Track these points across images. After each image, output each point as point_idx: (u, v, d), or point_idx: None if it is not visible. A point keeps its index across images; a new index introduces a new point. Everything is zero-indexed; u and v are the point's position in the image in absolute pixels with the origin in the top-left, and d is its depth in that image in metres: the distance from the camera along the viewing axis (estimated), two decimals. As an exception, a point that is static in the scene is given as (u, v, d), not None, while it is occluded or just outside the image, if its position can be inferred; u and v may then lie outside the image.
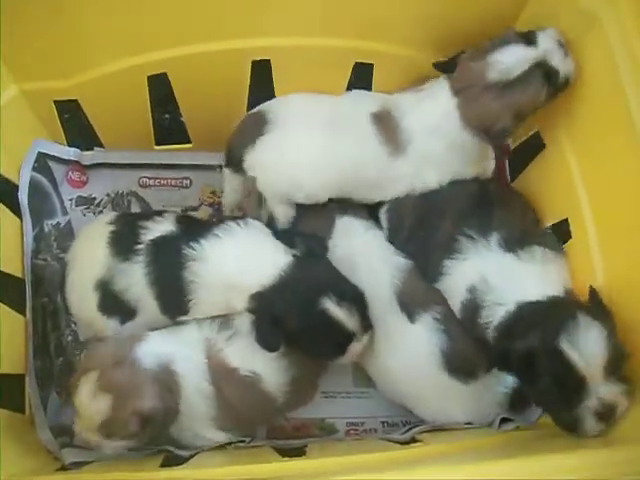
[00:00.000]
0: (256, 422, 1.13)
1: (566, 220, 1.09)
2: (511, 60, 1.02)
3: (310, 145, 1.13)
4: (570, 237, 1.09)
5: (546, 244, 1.07)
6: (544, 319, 0.95)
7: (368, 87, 1.22)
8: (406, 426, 1.13)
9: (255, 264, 1.04)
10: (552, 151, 1.14)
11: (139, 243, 1.08)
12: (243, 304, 1.03)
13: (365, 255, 1.13)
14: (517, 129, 1.10)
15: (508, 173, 1.31)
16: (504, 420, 1.05)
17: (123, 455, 1.01)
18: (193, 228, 1.09)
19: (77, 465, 1.04)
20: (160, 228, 1.09)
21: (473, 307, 1.04)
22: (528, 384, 0.97)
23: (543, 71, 1.02)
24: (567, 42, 1.03)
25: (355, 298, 1.03)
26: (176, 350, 1.04)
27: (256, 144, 1.14)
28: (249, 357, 1.05)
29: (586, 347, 0.89)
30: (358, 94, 1.18)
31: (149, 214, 1.14)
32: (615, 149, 0.98)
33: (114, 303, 1.09)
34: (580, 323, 0.91)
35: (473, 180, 1.17)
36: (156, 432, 0.99)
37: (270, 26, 1.11)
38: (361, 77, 1.21)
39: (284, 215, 1.20)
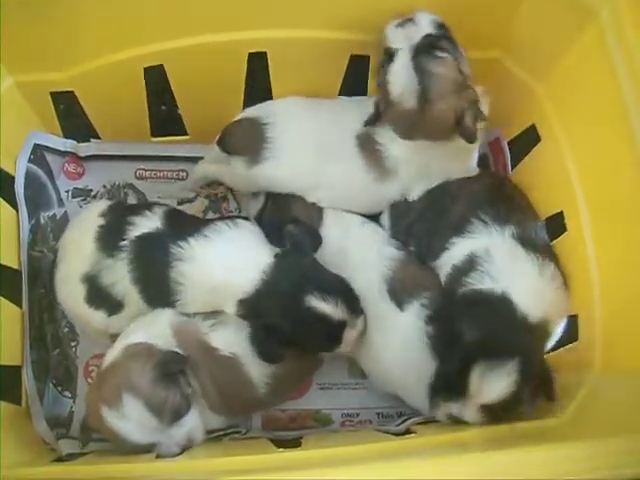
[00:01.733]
0: (237, 409, 1.12)
1: (561, 213, 1.10)
2: (400, 77, 1.01)
3: (304, 166, 1.15)
4: (565, 230, 1.09)
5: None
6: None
7: (364, 80, 1.22)
8: (401, 417, 1.13)
9: (239, 267, 1.03)
10: (548, 144, 1.14)
11: (124, 239, 1.07)
12: (232, 308, 1.04)
13: (356, 245, 1.14)
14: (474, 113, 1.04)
15: (510, 168, 1.30)
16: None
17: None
18: (182, 226, 1.09)
19: (73, 456, 1.04)
20: (147, 224, 1.08)
21: (465, 269, 1.04)
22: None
23: (426, 55, 1.00)
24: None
25: (338, 288, 1.04)
26: (140, 330, 1.05)
27: (255, 157, 1.16)
28: (232, 343, 1.06)
29: None
30: (349, 111, 1.17)
31: (140, 207, 1.13)
32: (610, 143, 0.99)
33: (101, 297, 1.10)
34: None
35: (489, 174, 1.18)
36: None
37: (266, 18, 1.11)
38: (357, 69, 1.20)
39: (254, 208, 1.24)
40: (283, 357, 1.04)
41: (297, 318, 1.01)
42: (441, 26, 1.03)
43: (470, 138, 1.03)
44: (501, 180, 1.20)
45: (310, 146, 1.14)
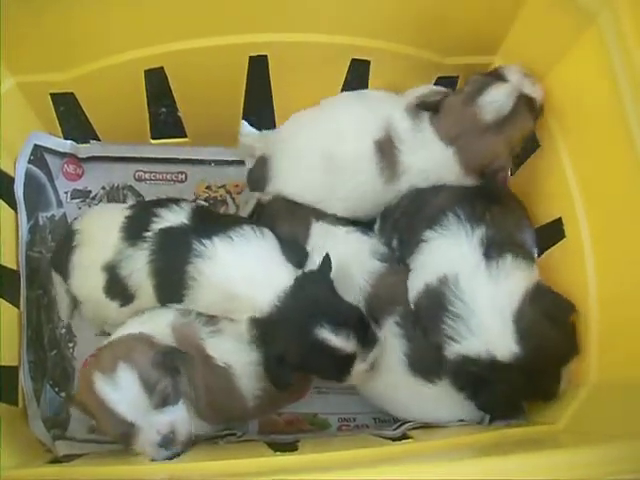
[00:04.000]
0: (224, 417, 1.10)
1: (559, 219, 1.10)
2: (502, 97, 1.05)
3: (311, 183, 1.16)
4: (564, 236, 1.09)
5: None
6: None
7: (364, 84, 1.22)
8: (397, 422, 1.13)
9: (260, 283, 1.02)
10: (547, 150, 1.14)
11: (148, 230, 1.07)
12: (242, 321, 1.03)
13: (339, 261, 1.10)
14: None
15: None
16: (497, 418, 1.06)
17: (115, 448, 1.02)
18: (208, 223, 1.08)
19: (70, 457, 1.04)
20: (173, 218, 1.08)
21: (439, 302, 1.03)
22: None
23: (524, 101, 1.06)
24: (532, 73, 1.09)
25: (350, 320, 1.02)
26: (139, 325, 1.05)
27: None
28: (227, 353, 1.05)
29: None
30: (361, 115, 1.15)
31: (168, 201, 1.13)
32: (609, 148, 0.98)
33: (118, 287, 1.10)
34: None
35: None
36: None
37: (267, 22, 1.11)
38: (357, 74, 1.21)
39: (250, 206, 1.27)
40: (290, 382, 1.03)
41: (307, 350, 1.00)
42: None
43: (487, 185, 1.11)
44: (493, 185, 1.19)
45: (315, 161, 1.14)
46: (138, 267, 1.07)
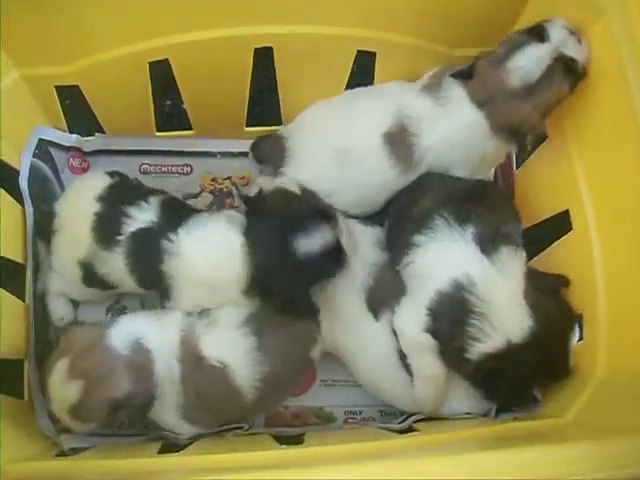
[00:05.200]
0: (224, 417, 1.09)
1: (567, 211, 1.09)
2: (530, 63, 1.01)
3: (325, 175, 1.14)
4: (571, 229, 1.09)
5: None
6: None
7: (370, 75, 1.22)
8: (403, 414, 1.13)
9: (224, 261, 1.03)
10: (555, 142, 1.14)
11: (121, 234, 1.06)
12: (237, 296, 1.04)
13: None
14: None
15: (515, 166, 1.30)
16: (503, 410, 1.06)
17: (121, 441, 1.02)
18: (174, 218, 1.08)
19: (75, 451, 1.05)
20: (142, 218, 1.07)
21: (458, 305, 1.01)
22: None
23: (562, 64, 1.01)
24: (577, 28, 1.02)
25: (308, 217, 1.02)
26: (150, 327, 1.03)
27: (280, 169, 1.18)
28: (221, 346, 1.04)
29: None
30: (369, 109, 1.14)
31: (136, 197, 1.10)
32: (617, 141, 0.98)
33: (96, 279, 1.11)
34: None
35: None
36: (134, 417, 0.99)
37: (273, 14, 1.10)
38: (363, 65, 1.20)
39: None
40: (314, 306, 1.06)
41: (302, 266, 1.00)
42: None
43: (525, 139, 1.11)
44: (484, 183, 1.17)
45: (329, 151, 1.13)
46: (117, 268, 1.08)
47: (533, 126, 1.05)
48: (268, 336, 1.05)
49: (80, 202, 1.12)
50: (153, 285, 1.09)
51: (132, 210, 1.08)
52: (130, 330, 1.01)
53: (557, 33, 1.01)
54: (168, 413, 1.03)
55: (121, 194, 1.12)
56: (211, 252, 1.03)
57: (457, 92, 1.07)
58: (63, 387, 0.95)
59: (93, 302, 1.21)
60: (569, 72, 1.02)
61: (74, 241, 1.10)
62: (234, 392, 1.03)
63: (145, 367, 0.99)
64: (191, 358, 1.02)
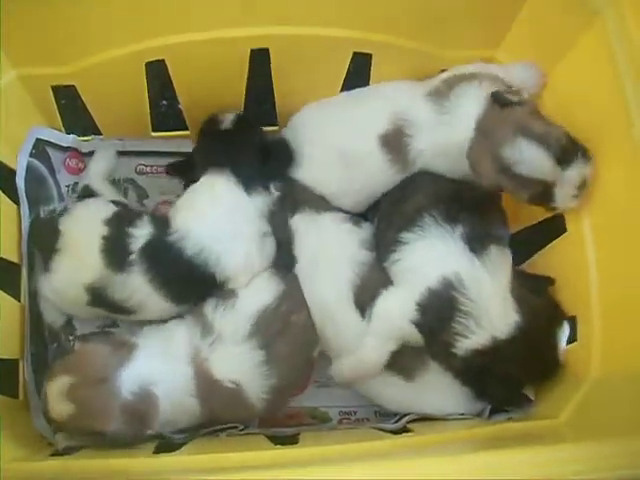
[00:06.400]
0: (228, 422, 1.10)
1: (561, 214, 1.10)
2: (531, 168, 0.99)
3: (330, 177, 1.17)
4: (565, 230, 1.09)
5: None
6: None
7: (366, 77, 1.22)
8: (398, 415, 1.13)
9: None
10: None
11: (132, 253, 1.08)
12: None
13: (328, 254, 1.12)
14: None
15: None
16: (497, 411, 1.06)
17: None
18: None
19: (71, 450, 1.04)
20: (142, 233, 1.10)
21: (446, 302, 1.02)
22: None
23: (544, 189, 1.00)
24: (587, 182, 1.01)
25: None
26: (161, 368, 1.02)
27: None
28: (231, 365, 1.04)
29: None
30: (370, 109, 1.15)
31: (131, 217, 1.13)
32: (612, 145, 0.98)
33: (107, 303, 1.11)
34: None
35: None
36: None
37: (269, 15, 1.10)
38: (359, 67, 1.20)
39: None
40: None
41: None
42: None
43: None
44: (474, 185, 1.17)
45: (333, 153, 1.15)
46: (137, 287, 1.08)
47: (486, 183, 1.04)
48: (274, 346, 1.06)
49: (86, 225, 1.13)
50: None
51: (133, 230, 1.10)
52: (143, 374, 1.00)
53: (570, 178, 0.99)
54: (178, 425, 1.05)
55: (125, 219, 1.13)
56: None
57: (471, 109, 1.06)
58: (56, 402, 0.96)
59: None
60: (546, 200, 1.02)
61: (80, 265, 1.10)
62: (246, 405, 1.05)
63: (145, 412, 0.99)
64: (205, 386, 1.03)
